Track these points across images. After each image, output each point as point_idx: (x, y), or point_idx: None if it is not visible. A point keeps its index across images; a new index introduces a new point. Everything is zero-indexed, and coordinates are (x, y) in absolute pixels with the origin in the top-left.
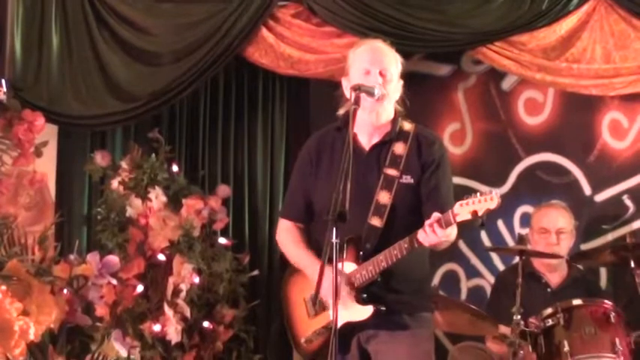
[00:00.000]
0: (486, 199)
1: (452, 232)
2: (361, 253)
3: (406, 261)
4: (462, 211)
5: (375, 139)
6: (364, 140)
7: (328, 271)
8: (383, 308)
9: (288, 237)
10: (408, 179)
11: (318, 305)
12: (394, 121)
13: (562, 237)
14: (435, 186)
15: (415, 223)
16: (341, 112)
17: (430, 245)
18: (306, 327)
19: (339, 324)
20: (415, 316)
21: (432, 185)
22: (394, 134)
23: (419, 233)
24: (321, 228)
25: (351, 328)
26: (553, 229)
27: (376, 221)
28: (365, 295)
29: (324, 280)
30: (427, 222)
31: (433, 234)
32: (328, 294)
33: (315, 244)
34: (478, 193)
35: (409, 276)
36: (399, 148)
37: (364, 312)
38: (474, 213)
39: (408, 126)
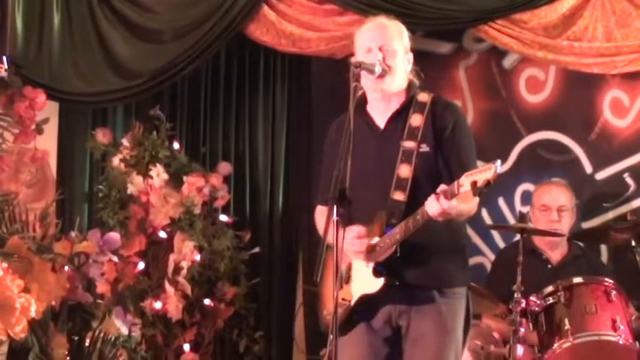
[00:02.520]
0: (484, 170)
1: (464, 205)
2: (385, 227)
3: (429, 232)
4: (466, 182)
5: (389, 113)
6: (378, 118)
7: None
8: (396, 282)
9: (321, 218)
10: (424, 148)
11: (342, 279)
12: (408, 91)
13: (563, 214)
14: (454, 150)
15: None
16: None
17: (441, 217)
18: (331, 301)
19: (355, 297)
20: (444, 292)
21: (448, 151)
22: (408, 104)
23: (425, 205)
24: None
25: (375, 301)
26: (554, 206)
27: (399, 195)
28: (378, 268)
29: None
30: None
31: (437, 205)
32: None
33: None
34: (479, 164)
35: (434, 247)
36: (416, 120)
37: (376, 284)
38: (474, 184)
39: (424, 97)
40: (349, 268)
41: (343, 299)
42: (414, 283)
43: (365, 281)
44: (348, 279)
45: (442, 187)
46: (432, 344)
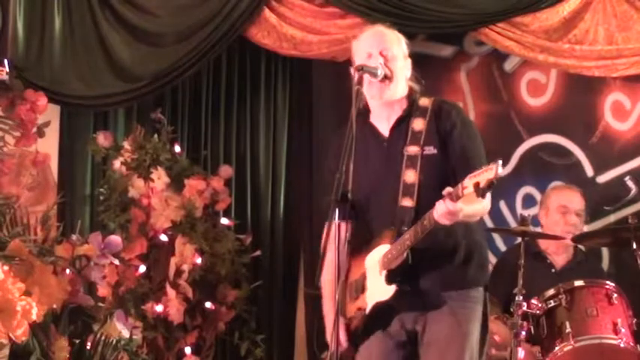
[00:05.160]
0: (486, 170)
1: (472, 206)
2: (397, 235)
3: (443, 234)
4: (469, 184)
5: (392, 120)
6: (382, 126)
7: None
8: (408, 288)
9: (330, 258)
10: (430, 150)
11: (358, 288)
12: (409, 97)
13: (581, 219)
14: (461, 151)
15: None
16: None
17: (448, 221)
18: (348, 308)
19: (370, 305)
20: (462, 294)
21: (458, 151)
22: (411, 110)
23: (433, 209)
24: (364, 219)
25: (390, 308)
26: (573, 209)
27: (407, 202)
28: (391, 275)
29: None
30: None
31: (443, 207)
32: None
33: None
34: (483, 166)
35: (448, 250)
36: (418, 124)
37: (388, 291)
38: (476, 185)
39: (425, 101)
40: (364, 278)
41: (359, 309)
42: (427, 288)
43: (378, 289)
44: (363, 288)
45: (447, 189)
46: (446, 349)
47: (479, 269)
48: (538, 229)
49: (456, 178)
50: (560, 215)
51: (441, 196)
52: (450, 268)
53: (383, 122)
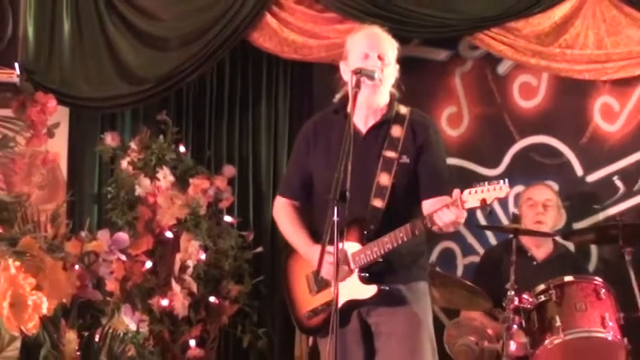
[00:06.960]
0: (495, 189)
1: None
2: (365, 233)
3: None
4: (471, 198)
5: (371, 122)
6: (360, 123)
7: (330, 251)
8: (386, 288)
9: (283, 215)
10: (404, 159)
11: (320, 282)
12: (390, 104)
13: (548, 208)
14: (432, 167)
15: (413, 204)
16: (338, 97)
17: (452, 228)
18: (308, 303)
19: (341, 302)
20: (410, 286)
21: (429, 166)
22: (390, 116)
23: (435, 215)
24: (319, 207)
25: (352, 304)
26: (540, 200)
27: (378, 202)
28: (367, 274)
29: (325, 260)
30: (439, 205)
31: (451, 216)
32: (329, 273)
33: (312, 223)
34: (486, 182)
35: (401, 249)
36: (397, 130)
37: (368, 291)
38: (483, 201)
39: (403, 109)
40: (318, 275)
41: (326, 304)
42: (388, 281)
43: (349, 287)
44: (325, 283)
45: (446, 198)
46: (408, 337)
47: (421, 269)
48: None
49: (420, 189)
50: (528, 208)
51: (410, 200)
52: (402, 268)
53: (360, 120)
